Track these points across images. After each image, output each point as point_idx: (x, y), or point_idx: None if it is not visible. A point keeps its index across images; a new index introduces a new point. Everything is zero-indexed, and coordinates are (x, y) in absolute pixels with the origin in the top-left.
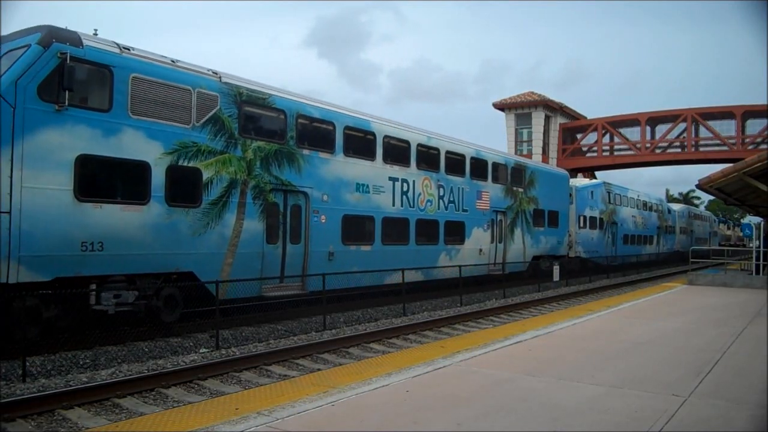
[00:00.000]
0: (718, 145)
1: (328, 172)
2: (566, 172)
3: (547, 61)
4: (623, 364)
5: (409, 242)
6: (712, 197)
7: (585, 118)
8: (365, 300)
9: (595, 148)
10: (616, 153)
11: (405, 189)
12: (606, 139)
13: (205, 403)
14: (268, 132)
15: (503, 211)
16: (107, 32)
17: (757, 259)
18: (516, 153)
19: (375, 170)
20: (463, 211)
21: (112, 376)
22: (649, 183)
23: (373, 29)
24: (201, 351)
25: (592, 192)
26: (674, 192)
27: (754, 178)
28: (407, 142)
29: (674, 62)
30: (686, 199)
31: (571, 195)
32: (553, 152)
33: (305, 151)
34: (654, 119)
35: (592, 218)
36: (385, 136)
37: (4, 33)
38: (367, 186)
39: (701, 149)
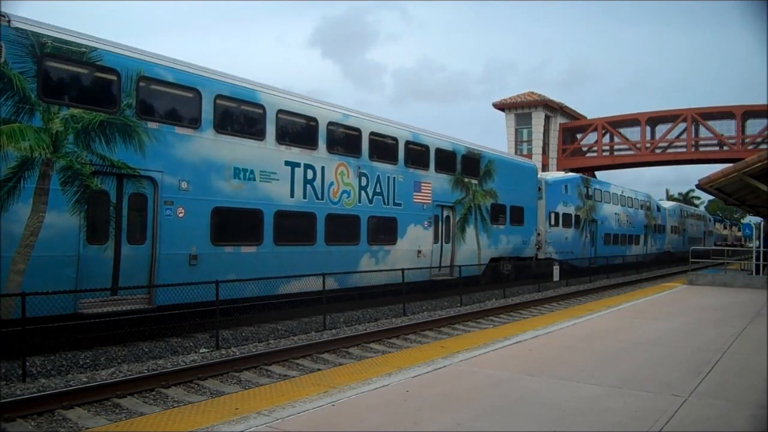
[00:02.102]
0: (718, 145)
1: (189, 152)
2: (534, 164)
3: (551, 61)
4: (623, 364)
5: (316, 242)
6: (712, 197)
7: (585, 118)
8: (365, 300)
9: (595, 148)
10: (616, 153)
11: (310, 177)
12: (606, 139)
13: (205, 403)
14: (90, 97)
15: (451, 205)
16: (108, 32)
17: (757, 259)
18: (516, 153)
19: (264, 153)
20: (395, 205)
21: (112, 376)
22: (650, 183)
23: (380, 29)
24: (201, 351)
25: (566, 186)
26: (675, 192)
27: (754, 178)
28: (314, 120)
29: (674, 62)
30: (686, 199)
31: (540, 189)
32: (553, 152)
33: (152, 125)
34: (654, 119)
35: (566, 215)
36: (281, 111)
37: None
38: (252, 172)
39: (701, 149)
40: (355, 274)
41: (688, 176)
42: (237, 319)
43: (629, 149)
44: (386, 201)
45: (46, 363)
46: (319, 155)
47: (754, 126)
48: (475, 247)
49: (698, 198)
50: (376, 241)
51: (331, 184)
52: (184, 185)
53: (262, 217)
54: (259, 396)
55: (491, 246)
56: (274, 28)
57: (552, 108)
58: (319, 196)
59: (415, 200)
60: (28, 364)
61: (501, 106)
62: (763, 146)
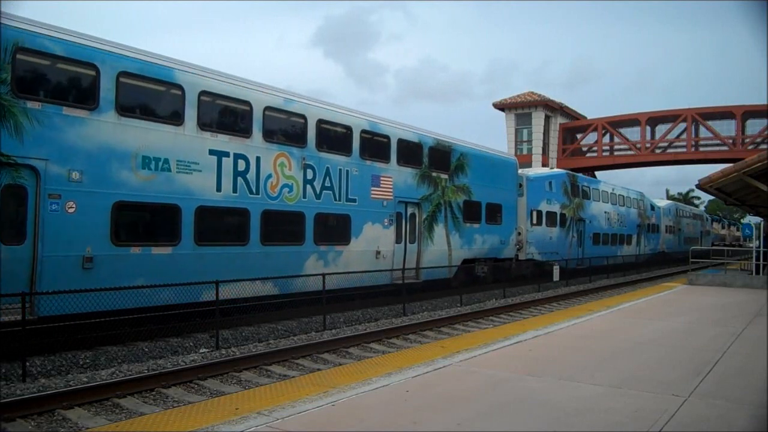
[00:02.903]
0: (718, 145)
1: (83, 138)
2: (514, 158)
3: (554, 61)
4: (623, 364)
5: (250, 242)
6: (712, 197)
7: (585, 118)
8: (365, 300)
9: (595, 148)
10: (616, 153)
11: (242, 169)
12: (606, 139)
13: (205, 403)
14: None
15: (416, 202)
16: (109, 31)
17: (757, 259)
18: (516, 153)
19: (183, 140)
20: (349, 201)
21: (112, 376)
22: (651, 183)
23: (383, 29)
24: (201, 351)
25: (550, 183)
26: (675, 192)
27: (754, 178)
28: (247, 104)
29: (675, 62)
30: (686, 199)
31: (520, 185)
32: (553, 152)
33: (33, 105)
34: (654, 119)
35: (551, 213)
36: (205, 93)
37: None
38: (167, 162)
39: (701, 149)
40: (302, 278)
41: (688, 176)
42: (237, 319)
43: (629, 149)
44: (338, 196)
45: (46, 363)
46: (254, 144)
47: (754, 126)
48: (445, 248)
49: (698, 198)
50: (325, 240)
51: (269, 176)
52: (75, 176)
53: (179, 213)
54: (259, 396)
55: (464, 246)
56: (277, 27)
57: (552, 108)
58: (254, 191)
59: (373, 196)
60: (28, 364)
61: (501, 106)
62: (763, 146)
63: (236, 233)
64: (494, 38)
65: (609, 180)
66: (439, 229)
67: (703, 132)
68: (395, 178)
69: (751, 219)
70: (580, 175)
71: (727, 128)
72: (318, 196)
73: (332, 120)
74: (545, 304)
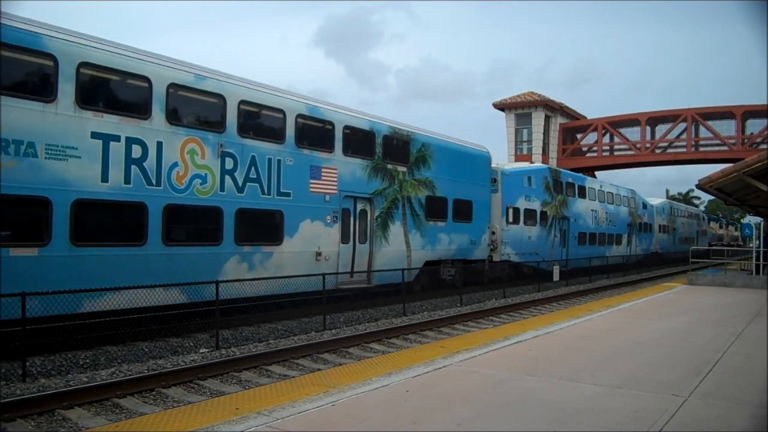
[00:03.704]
0: (718, 145)
1: None
2: (486, 151)
3: (555, 61)
4: (623, 364)
5: (147, 242)
6: (712, 197)
7: (585, 118)
8: (365, 300)
9: (595, 148)
10: (616, 153)
11: (138, 155)
12: (606, 139)
13: (205, 403)
14: None
15: (367, 197)
16: (109, 31)
17: (757, 259)
18: (516, 153)
19: (55, 120)
20: (281, 194)
21: (112, 376)
22: (652, 183)
23: (385, 28)
24: (201, 351)
25: (529, 178)
26: (675, 192)
27: (754, 178)
28: (145, 80)
29: (675, 62)
30: (686, 198)
31: (495, 180)
32: (553, 152)
33: None
34: (654, 119)
35: (529, 211)
36: (85, 65)
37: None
38: (32, 145)
39: (701, 149)
40: (221, 284)
41: (688, 176)
42: (237, 319)
43: (629, 149)
44: (266, 190)
45: (46, 363)
46: (154, 127)
47: (754, 126)
48: (403, 248)
49: (698, 198)
50: (249, 240)
51: (175, 165)
52: None
53: (48, 206)
54: (259, 396)
55: (426, 246)
56: (279, 27)
57: (552, 108)
58: (154, 182)
59: (312, 190)
60: (28, 364)
61: (501, 106)
62: (763, 146)
63: (130, 231)
64: (496, 38)
65: (609, 180)
66: (396, 228)
67: (703, 132)
68: (341, 169)
69: (751, 219)
70: (564, 170)
71: (727, 128)
72: (240, 189)
73: (259, 102)
74: (545, 304)
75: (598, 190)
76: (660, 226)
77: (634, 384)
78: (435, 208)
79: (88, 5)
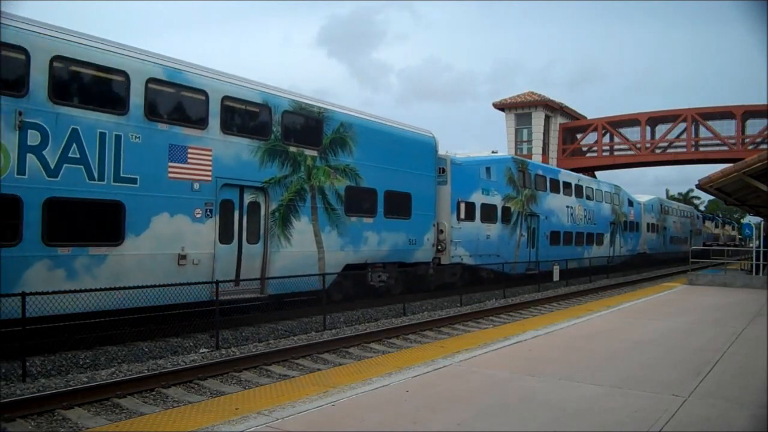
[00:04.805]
0: (718, 145)
1: None
2: (431, 136)
3: (558, 61)
4: (623, 364)
5: None
6: (712, 197)
7: (585, 117)
8: (365, 300)
9: (595, 148)
10: (616, 153)
11: None
12: (606, 139)
13: (205, 403)
14: None
15: (259, 186)
16: (109, 31)
17: (757, 259)
18: (516, 153)
19: None
20: (122, 180)
21: (112, 376)
22: (652, 183)
23: (388, 28)
24: (201, 351)
25: (487, 169)
26: (675, 192)
27: (754, 178)
28: None
29: (675, 62)
30: (686, 198)
31: (443, 170)
32: (553, 152)
33: None
34: (654, 119)
35: (488, 206)
36: None
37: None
38: None
39: (701, 149)
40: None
41: (688, 176)
42: (237, 319)
43: (629, 149)
44: (96, 174)
45: (46, 363)
46: None
47: (754, 126)
48: (312, 249)
49: (698, 198)
50: (68, 239)
51: None
52: None
53: None
54: (259, 396)
55: (347, 247)
56: (281, 27)
57: (552, 108)
58: None
59: (172, 175)
60: (28, 364)
61: (501, 106)
62: (763, 146)
63: None
64: (498, 38)
65: (610, 181)
66: (303, 225)
67: (703, 132)
68: (218, 151)
69: (751, 219)
70: (533, 161)
71: (727, 128)
72: (53, 173)
73: (86, 60)
74: (545, 304)
75: (575, 185)
76: (648, 224)
77: (634, 384)
78: (359, 202)
79: (88, 5)
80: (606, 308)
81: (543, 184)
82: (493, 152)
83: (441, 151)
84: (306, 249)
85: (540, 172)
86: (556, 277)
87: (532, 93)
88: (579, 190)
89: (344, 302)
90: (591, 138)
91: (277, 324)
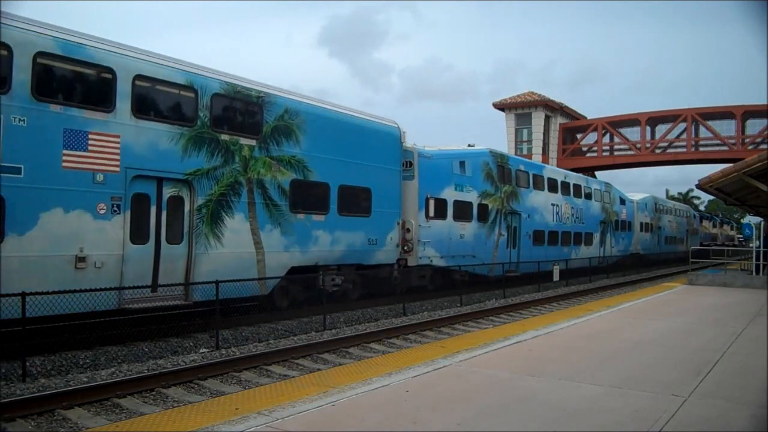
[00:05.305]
0: (718, 145)
1: None
2: (396, 126)
3: (559, 61)
4: (623, 364)
5: None
6: (712, 197)
7: (585, 117)
8: (365, 300)
9: (595, 148)
10: (616, 153)
11: None
12: (606, 139)
13: (205, 403)
14: None
15: (182, 179)
16: (109, 31)
17: (757, 259)
18: (516, 153)
19: None
20: None
21: (112, 376)
22: (652, 183)
23: (390, 28)
24: (201, 351)
25: (461, 163)
26: (675, 192)
27: (754, 178)
28: None
29: (675, 63)
30: (686, 198)
31: (409, 164)
32: (553, 152)
33: None
34: (654, 119)
35: (462, 204)
36: None
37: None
38: None
39: (701, 149)
40: None
41: (688, 176)
42: (237, 319)
43: (629, 149)
44: None
45: (46, 363)
46: None
47: (754, 126)
48: (250, 250)
49: (698, 198)
50: None
51: None
52: None
53: None
54: (259, 396)
55: (293, 247)
56: (283, 27)
57: (552, 108)
58: None
59: (68, 164)
60: (28, 364)
61: (501, 106)
62: (763, 146)
63: None
64: (499, 37)
65: (610, 181)
66: (237, 222)
67: (703, 132)
68: (129, 138)
69: (751, 219)
70: (514, 156)
71: (727, 128)
72: None
73: None
74: (545, 304)
75: (562, 182)
76: (642, 224)
77: (634, 384)
78: (307, 197)
79: (88, 5)
80: (606, 308)
81: (525, 181)
82: (469, 146)
83: (409, 143)
84: (241, 250)
85: (522, 168)
86: (556, 277)
87: (532, 93)
88: (566, 188)
89: (292, 309)
90: (591, 138)
91: (277, 324)
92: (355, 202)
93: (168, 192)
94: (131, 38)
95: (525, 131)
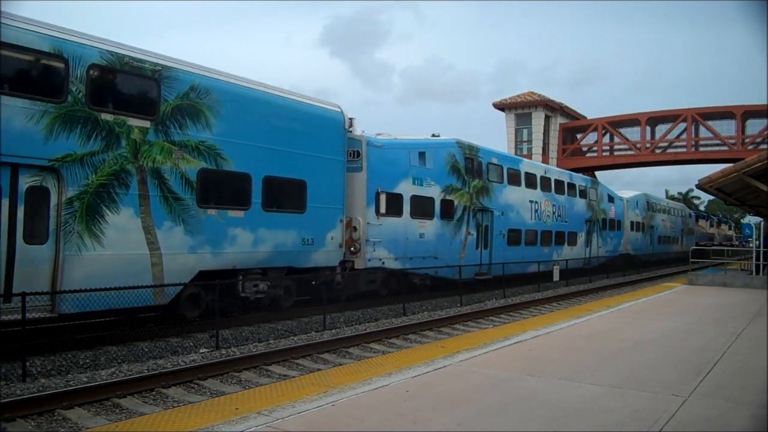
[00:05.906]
0: (718, 145)
1: None
2: (338, 110)
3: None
4: (623, 364)
5: None
6: (712, 197)
7: (585, 117)
8: (366, 300)
9: (595, 148)
10: (616, 153)
11: None
12: (606, 139)
13: (205, 403)
14: None
15: (46, 166)
16: (109, 31)
17: (757, 259)
18: (516, 153)
19: None
20: None
21: (112, 376)
22: (652, 183)
23: (392, 28)
24: (201, 351)
25: (421, 154)
26: (675, 192)
27: (754, 178)
28: None
29: (675, 63)
30: (686, 198)
31: (357, 154)
32: (553, 152)
33: None
34: (654, 119)
35: (421, 199)
36: None
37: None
38: None
39: (701, 149)
40: None
41: (688, 176)
42: (237, 319)
43: (629, 149)
44: None
45: (46, 363)
46: None
47: (754, 126)
48: (142, 252)
49: (698, 198)
50: None
51: None
52: None
53: None
54: (259, 396)
55: (201, 248)
56: (284, 27)
57: (552, 108)
58: None
59: None
60: (28, 364)
61: (501, 106)
62: (763, 146)
63: None
64: (500, 37)
65: (610, 181)
66: (123, 219)
67: (703, 132)
68: None
69: (751, 219)
70: (485, 147)
71: (727, 128)
72: None
73: None
74: (545, 304)
75: (541, 177)
76: (633, 223)
77: (634, 384)
78: (221, 190)
79: (88, 5)
80: (606, 308)
81: (499, 175)
82: (433, 135)
83: (358, 131)
84: (129, 251)
85: (495, 161)
86: (556, 277)
87: (532, 93)
88: (546, 183)
89: (204, 320)
90: (591, 138)
91: (277, 324)
92: (286, 196)
93: (27, 182)
94: (131, 38)
95: (525, 131)
